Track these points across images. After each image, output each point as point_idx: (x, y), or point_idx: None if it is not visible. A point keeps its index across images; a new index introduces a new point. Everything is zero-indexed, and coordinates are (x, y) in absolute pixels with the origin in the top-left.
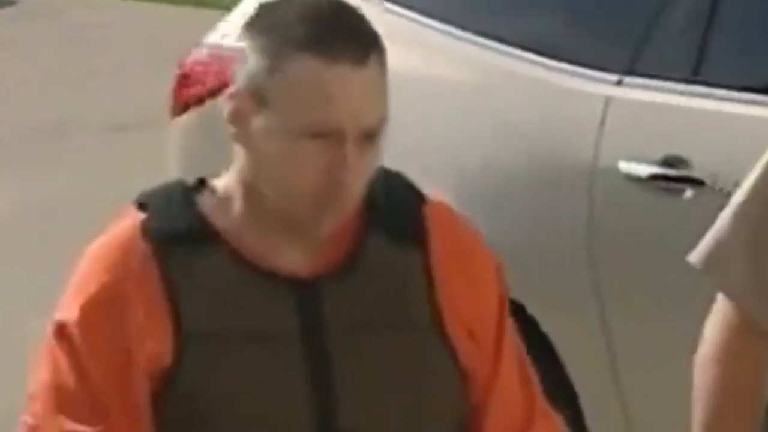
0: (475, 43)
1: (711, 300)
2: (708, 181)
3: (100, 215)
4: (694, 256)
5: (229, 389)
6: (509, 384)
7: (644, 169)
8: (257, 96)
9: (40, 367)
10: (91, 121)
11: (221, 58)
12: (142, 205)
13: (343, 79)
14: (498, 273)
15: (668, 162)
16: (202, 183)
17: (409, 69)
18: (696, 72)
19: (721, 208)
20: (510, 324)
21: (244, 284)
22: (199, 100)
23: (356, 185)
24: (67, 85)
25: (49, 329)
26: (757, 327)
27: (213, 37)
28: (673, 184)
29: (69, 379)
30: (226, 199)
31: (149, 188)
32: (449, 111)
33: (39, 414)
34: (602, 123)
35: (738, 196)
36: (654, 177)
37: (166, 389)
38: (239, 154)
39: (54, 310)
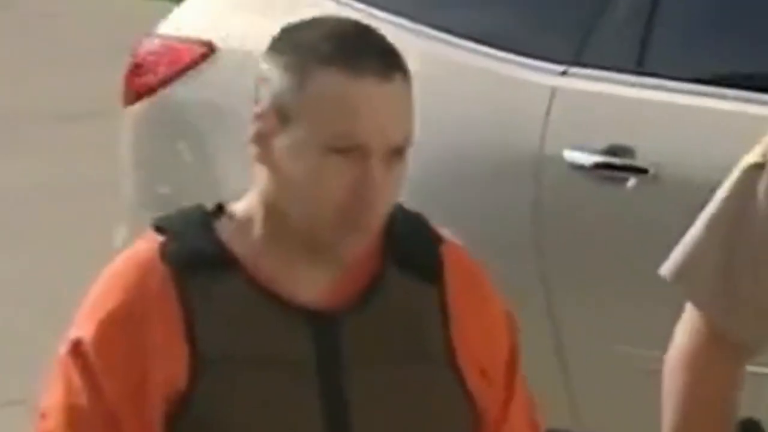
0: (424, 34)
1: (655, 286)
2: (651, 170)
3: (52, 205)
4: (665, 268)
5: (243, 415)
6: (518, 428)
7: (589, 158)
8: (282, 113)
9: (53, 384)
10: (43, 110)
11: (173, 48)
12: (159, 229)
13: (369, 93)
14: (509, 319)
15: (612, 151)
16: (220, 209)
17: None
18: (640, 63)
19: (664, 196)
20: (521, 370)
21: (261, 312)
22: (151, 90)
23: (382, 203)
24: (19, 75)
25: (62, 347)
26: (724, 338)
27: (165, 27)
28: (617, 173)
29: (82, 397)
30: (245, 224)
31: (167, 213)
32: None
33: None
34: (548, 113)
35: (711, 206)
36: (598, 166)
37: (180, 412)
38: (262, 176)
39: (12, 297)
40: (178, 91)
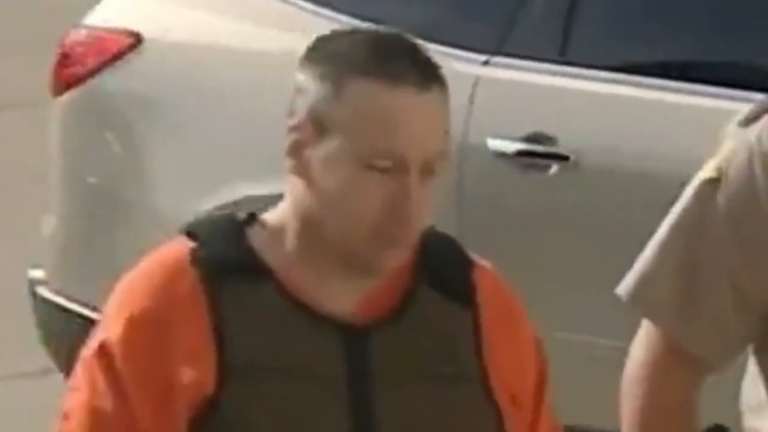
0: (348, 25)
1: (578, 271)
2: (573, 157)
3: None
4: (621, 289)
5: (269, 426)
6: None
7: (511, 146)
8: (318, 124)
9: (77, 385)
10: None
11: (101, 38)
12: (190, 234)
13: (406, 104)
14: (537, 345)
15: (534, 139)
16: (252, 217)
17: (284, 51)
18: (561, 52)
19: (586, 182)
20: (549, 397)
21: (292, 323)
22: (79, 80)
23: (418, 218)
24: None
25: (87, 349)
26: (682, 350)
27: (92, 18)
28: (539, 161)
29: (107, 400)
30: (278, 234)
31: (198, 219)
32: None
33: None
34: (471, 102)
35: (666, 223)
36: (521, 153)
37: (205, 419)
38: (296, 188)
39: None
40: (106, 81)
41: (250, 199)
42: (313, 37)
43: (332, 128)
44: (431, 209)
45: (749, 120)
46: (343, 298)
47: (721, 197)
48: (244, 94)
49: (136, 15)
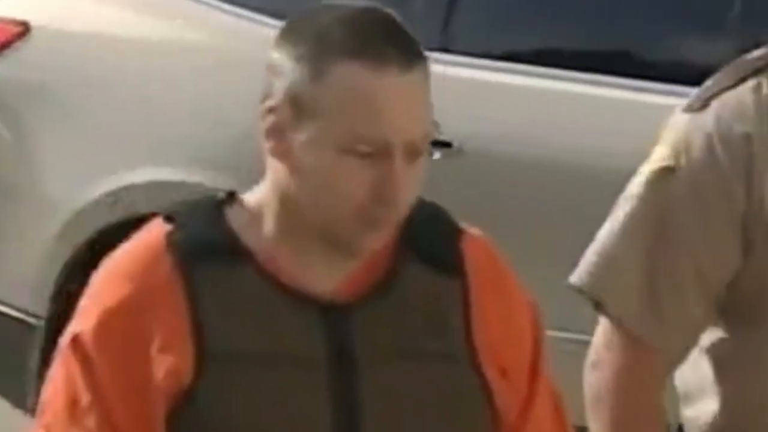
0: (232, 14)
1: None
2: (455, 144)
3: None
4: (576, 277)
5: (248, 413)
6: (541, 427)
7: None
8: (297, 107)
9: (53, 377)
10: None
11: None
12: (168, 218)
13: (389, 85)
14: (533, 312)
15: None
16: (231, 197)
17: (168, 39)
18: (443, 41)
19: (469, 168)
20: (546, 365)
21: (272, 305)
22: None
23: (403, 201)
24: None
25: (64, 340)
26: (649, 350)
27: None
28: None
29: (82, 390)
30: (257, 215)
31: (177, 201)
32: (226, 79)
33: (50, 425)
34: None
35: (620, 215)
36: None
37: (182, 408)
38: (276, 169)
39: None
40: None
41: (138, 186)
42: (196, 25)
43: (311, 111)
44: (417, 190)
45: (699, 106)
46: (325, 278)
47: (680, 183)
48: (130, 82)
49: (24, 4)
